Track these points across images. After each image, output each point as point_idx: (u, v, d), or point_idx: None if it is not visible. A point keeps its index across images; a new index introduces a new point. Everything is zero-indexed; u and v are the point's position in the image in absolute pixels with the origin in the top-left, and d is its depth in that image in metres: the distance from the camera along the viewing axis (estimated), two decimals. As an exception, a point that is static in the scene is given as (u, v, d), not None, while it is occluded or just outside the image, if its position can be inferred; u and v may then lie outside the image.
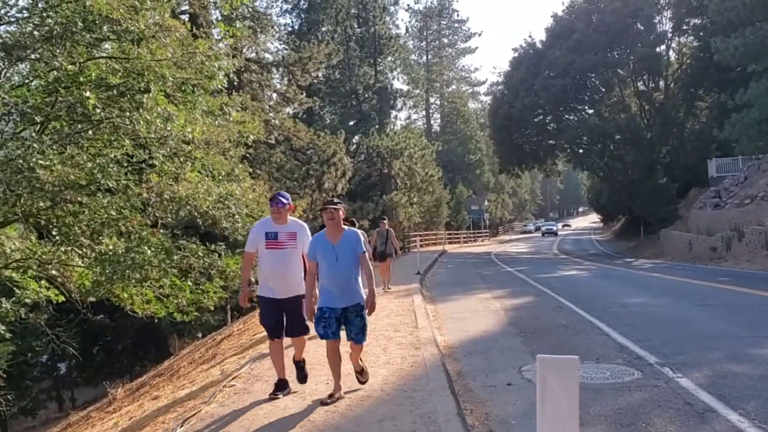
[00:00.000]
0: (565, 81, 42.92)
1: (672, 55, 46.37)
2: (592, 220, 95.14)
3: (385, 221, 14.23)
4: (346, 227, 5.53)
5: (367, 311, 5.44)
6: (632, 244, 42.29)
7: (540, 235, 73.86)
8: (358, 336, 5.51)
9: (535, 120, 47.53)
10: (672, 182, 41.35)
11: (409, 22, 75.32)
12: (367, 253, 5.58)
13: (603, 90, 45.71)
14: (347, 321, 5.44)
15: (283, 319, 5.73)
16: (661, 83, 45.66)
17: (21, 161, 7.01)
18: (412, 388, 5.88)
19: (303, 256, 5.77)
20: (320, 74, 32.07)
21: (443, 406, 5.21)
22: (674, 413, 5.24)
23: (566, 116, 47.31)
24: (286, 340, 6.06)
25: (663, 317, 10.23)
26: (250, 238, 5.82)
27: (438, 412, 5.05)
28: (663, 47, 44.88)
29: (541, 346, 8.09)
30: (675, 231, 32.50)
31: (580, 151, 47.52)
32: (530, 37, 57.24)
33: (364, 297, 5.52)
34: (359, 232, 5.65)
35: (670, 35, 44.94)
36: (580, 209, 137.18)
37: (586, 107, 47.79)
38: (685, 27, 43.93)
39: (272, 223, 5.73)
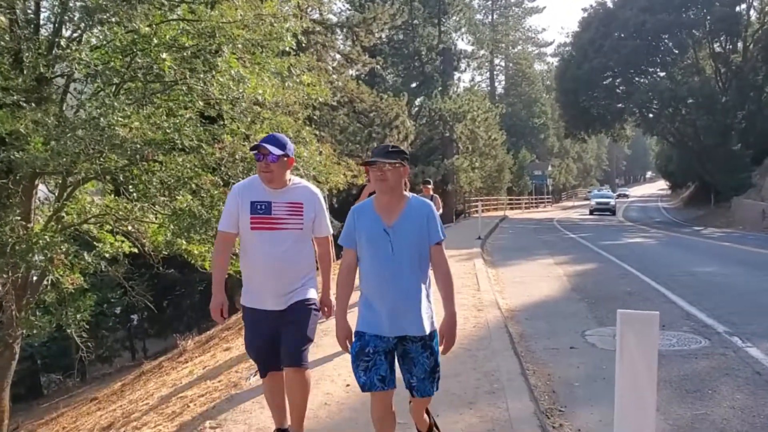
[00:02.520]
0: (637, 42, 41.32)
1: (753, 14, 43.94)
2: (659, 186, 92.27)
3: (429, 185, 10.74)
4: (409, 195, 3.26)
5: (441, 347, 3.18)
6: (701, 213, 40.93)
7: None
8: (424, 384, 3.22)
9: (604, 83, 46.04)
10: (746, 149, 39.58)
11: (475, -19, 73.60)
12: (443, 243, 3.26)
13: (676, 52, 43.78)
14: (406, 358, 3.19)
15: (278, 340, 3.61)
16: (740, 45, 43.36)
17: (102, 119, 7.33)
18: (476, 348, 5.98)
19: (314, 243, 3.85)
20: (384, 35, 31.81)
21: (506, 366, 5.30)
22: (742, 382, 5.18)
23: (636, 79, 45.65)
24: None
25: (732, 287, 9.98)
26: (225, 209, 3.70)
27: (501, 371, 5.14)
28: (743, 6, 42.54)
29: (605, 313, 8.05)
30: (748, 199, 31.25)
31: (650, 115, 45.85)
32: (601, -5, 54.92)
33: (434, 320, 3.23)
34: (429, 203, 3.28)
35: (752, -7, 42.58)
36: (648, 175, 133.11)
37: (658, 70, 45.92)
38: (768, -16, 41.53)
39: (263, 186, 3.59)
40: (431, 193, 10.95)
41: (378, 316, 3.13)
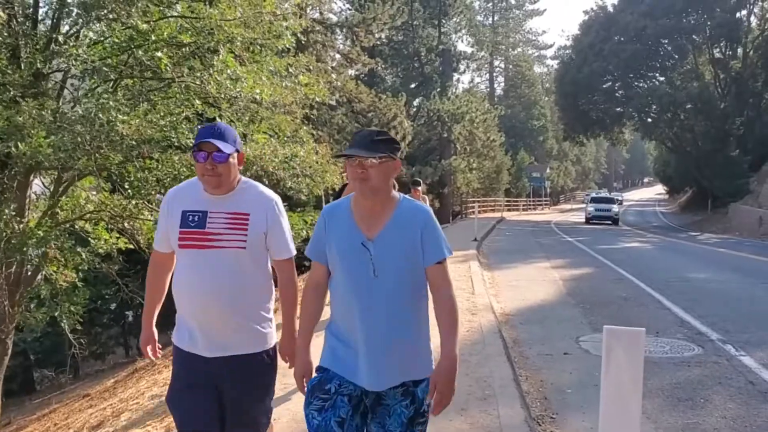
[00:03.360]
0: (636, 47, 41.42)
1: (753, 20, 44.06)
2: (657, 191, 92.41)
3: (419, 187, 9.81)
4: (398, 196, 2.44)
5: (431, 399, 2.31)
6: (698, 218, 41.01)
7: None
8: None
9: (604, 86, 46.16)
10: (744, 155, 39.68)
11: (476, -18, 73.66)
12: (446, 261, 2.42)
13: (676, 57, 43.91)
14: (379, 407, 2.42)
15: (215, 407, 2.67)
16: (739, 51, 43.47)
17: (101, 115, 7.31)
18: (468, 353, 5.96)
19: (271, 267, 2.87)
20: (383, 35, 31.81)
21: (499, 372, 5.28)
22: (735, 391, 5.17)
23: (636, 83, 45.75)
24: None
25: (727, 294, 9.98)
26: (159, 222, 2.88)
27: (494, 377, 5.13)
28: (744, 12, 42.66)
29: (600, 318, 8.05)
30: (745, 206, 31.32)
31: (649, 119, 45.96)
32: (602, 0, 55.07)
33: (432, 363, 2.46)
34: (427, 208, 2.46)
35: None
36: (646, 180, 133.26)
37: (657, 74, 46.05)
38: (769, -9, 41.62)
39: (201, 191, 2.71)
40: (421, 195, 10.02)
41: (352, 355, 2.35)
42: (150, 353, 2.98)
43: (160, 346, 3.03)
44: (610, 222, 35.53)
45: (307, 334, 2.51)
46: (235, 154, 2.68)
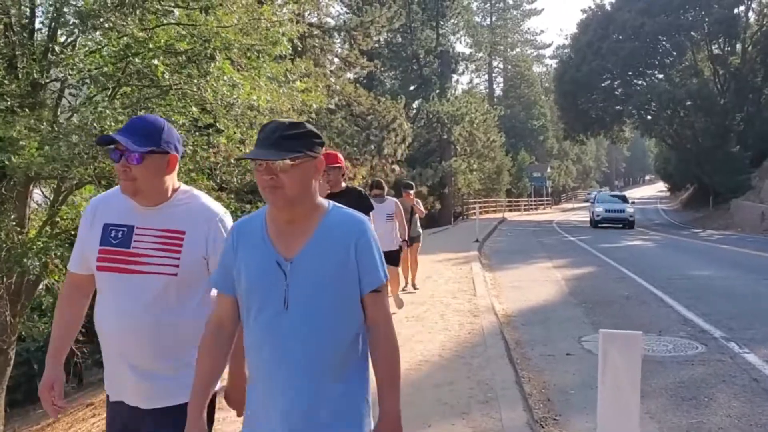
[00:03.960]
0: (635, 44, 41.43)
1: (752, 16, 44.01)
2: (658, 188, 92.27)
3: (411, 191, 9.83)
4: (326, 204, 1.96)
5: None
6: (700, 215, 40.94)
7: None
8: None
9: (603, 85, 46.17)
10: (745, 151, 39.63)
11: (473, -17, 73.66)
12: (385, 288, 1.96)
13: (674, 54, 43.89)
14: None
15: None
16: (738, 47, 43.45)
17: (96, 125, 7.30)
18: (470, 355, 5.94)
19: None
20: (382, 38, 31.87)
21: (501, 374, 5.26)
22: (739, 389, 5.14)
23: (635, 81, 45.76)
24: None
25: (730, 291, 9.95)
26: (78, 235, 2.33)
27: (496, 379, 5.10)
28: (742, 8, 42.63)
29: (602, 317, 8.02)
30: (747, 201, 31.25)
31: (649, 117, 45.92)
32: (599, -2, 55.13)
33: (369, 425, 1.92)
34: (363, 219, 1.94)
35: (750, -5, 42.66)
36: (647, 177, 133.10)
37: (656, 72, 46.03)
38: (767, -14, 41.60)
39: (130, 202, 2.19)
40: (413, 198, 9.89)
41: (268, 420, 1.85)
42: (48, 402, 2.25)
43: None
44: (622, 225, 29.16)
45: (200, 393, 1.94)
46: (159, 156, 2.12)
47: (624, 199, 31.71)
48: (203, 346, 1.96)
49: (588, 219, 32.40)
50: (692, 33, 42.30)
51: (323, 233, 1.86)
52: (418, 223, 10.24)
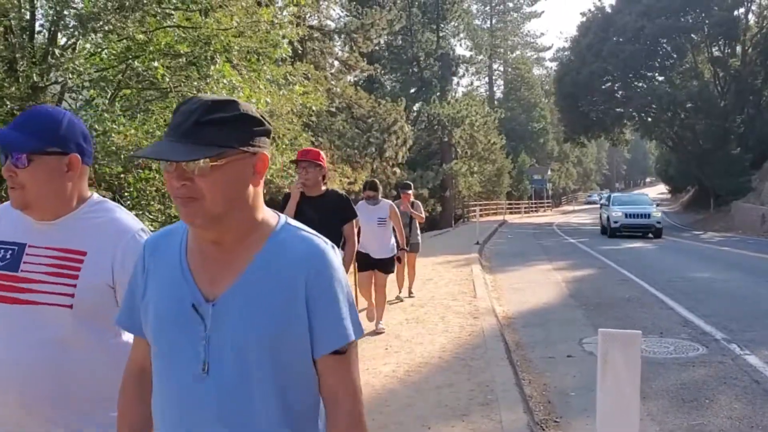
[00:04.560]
0: (635, 47, 41.39)
1: (752, 18, 44.00)
2: (659, 191, 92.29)
3: (409, 191, 9.11)
4: (274, 221, 1.34)
5: None
6: (701, 217, 40.90)
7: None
8: None
9: (603, 87, 46.08)
10: (746, 153, 39.58)
11: (474, -14, 73.73)
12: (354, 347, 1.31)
13: (674, 56, 43.85)
14: None
15: None
16: (738, 49, 43.42)
17: (97, 126, 7.31)
18: (470, 357, 5.92)
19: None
20: (382, 41, 31.87)
21: (501, 376, 5.24)
22: (740, 391, 5.13)
23: (635, 83, 45.68)
24: None
25: (731, 293, 9.93)
26: None
27: (496, 381, 5.09)
28: (742, 10, 42.61)
29: (603, 319, 8.00)
30: (747, 204, 31.22)
31: (649, 119, 45.92)
32: (599, 0, 55.09)
33: None
34: (322, 247, 1.31)
35: (750, -3, 42.65)
36: (648, 179, 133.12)
37: (656, 74, 45.98)
38: (766, -12, 41.63)
39: (22, 215, 1.71)
40: (411, 200, 9.20)
41: None
42: None
43: None
44: (647, 234, 23.56)
45: None
46: (63, 158, 1.69)
47: (647, 202, 25.09)
48: (123, 400, 1.44)
49: (595, 224, 28.68)
50: (692, 35, 42.29)
51: (263, 263, 1.28)
52: (418, 230, 9.52)
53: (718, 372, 5.66)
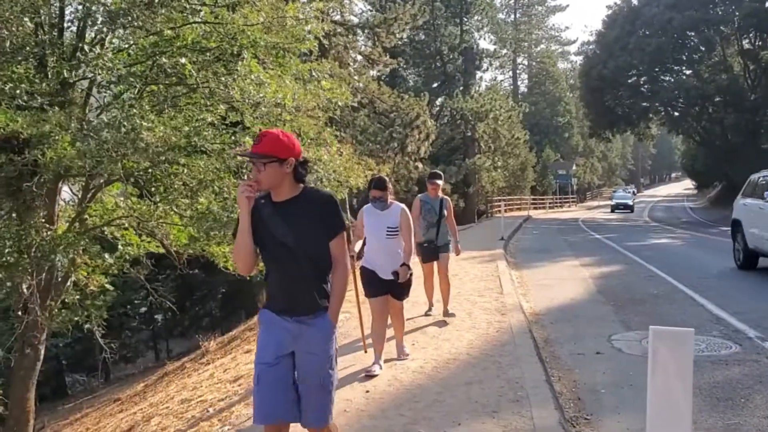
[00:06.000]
0: (662, 40, 40.76)
1: (784, 8, 43.05)
2: (685, 186, 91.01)
3: (437, 181, 7.40)
4: None
5: None
6: (728, 213, 40.03)
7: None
8: None
9: (629, 81, 45.46)
10: (776, 147, 38.88)
11: (497, -21, 73.14)
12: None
13: (703, 49, 43.09)
14: None
15: None
16: (770, 41, 42.59)
17: (126, 123, 7.36)
18: (499, 354, 5.87)
19: None
20: (405, 35, 31.73)
21: (531, 373, 5.19)
22: (776, 390, 5.01)
23: (662, 77, 45.02)
24: None
25: (762, 289, 9.73)
26: None
27: (525, 378, 5.04)
28: (773, 1, 41.75)
29: (632, 316, 7.89)
30: (777, 199, 30.61)
31: (676, 114, 45.24)
32: (625, -7, 54.40)
33: None
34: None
35: (782, -13, 41.71)
36: (673, 175, 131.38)
37: (684, 68, 45.27)
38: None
39: None
40: (439, 193, 7.44)
41: None
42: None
43: None
44: None
45: None
46: None
47: None
48: None
49: (621, 219, 27.38)
50: (722, 27, 41.49)
51: None
52: (446, 229, 7.59)
53: (753, 370, 5.54)
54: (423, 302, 8.12)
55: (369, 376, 5.30)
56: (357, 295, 5.88)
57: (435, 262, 7.59)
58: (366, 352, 5.88)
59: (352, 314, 7.26)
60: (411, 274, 5.54)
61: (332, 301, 3.02)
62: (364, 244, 5.54)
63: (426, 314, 7.80)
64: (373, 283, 5.49)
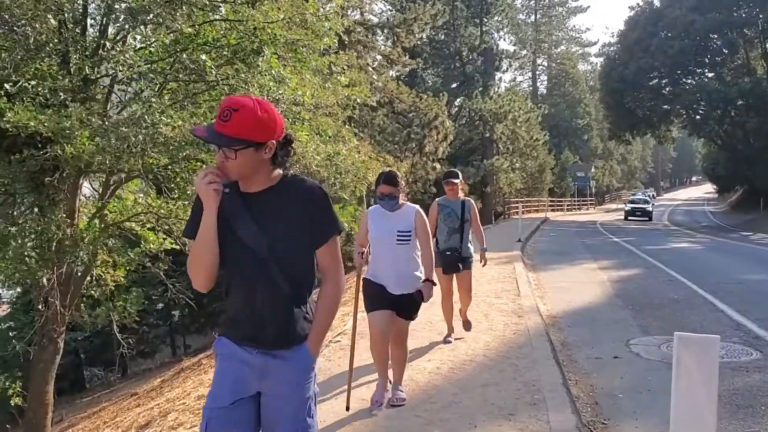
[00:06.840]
0: (684, 42, 40.37)
1: (810, 12, 42.45)
2: (705, 190, 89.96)
3: (455, 181, 6.43)
4: None
5: None
6: (750, 218, 39.69)
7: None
8: None
9: (650, 83, 45.06)
10: (800, 153, 38.32)
11: (518, -20, 72.79)
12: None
13: (726, 52, 42.60)
14: None
15: None
16: (794, 45, 42.03)
17: (147, 118, 7.41)
18: (516, 356, 5.83)
19: None
20: (424, 35, 31.69)
21: (548, 376, 5.15)
22: (798, 399, 4.93)
23: (684, 80, 44.57)
24: None
25: (785, 296, 9.60)
26: None
27: (542, 381, 5.00)
28: (799, 4, 41.17)
29: (651, 321, 7.82)
30: (800, 205, 30.19)
31: (697, 117, 44.72)
32: (648, -6, 53.90)
33: None
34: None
35: (807, -10, 41.11)
36: (694, 178, 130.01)
37: (706, 70, 44.78)
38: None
39: None
40: (460, 194, 6.51)
41: None
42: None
43: None
44: None
45: None
46: None
47: None
48: None
49: (640, 224, 27.97)
50: (745, 30, 41.00)
51: None
52: (470, 236, 6.61)
53: (774, 378, 5.46)
54: (436, 321, 7.11)
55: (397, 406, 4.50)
56: (355, 317, 4.70)
57: (455, 275, 6.51)
58: (348, 409, 4.37)
59: (341, 344, 6.34)
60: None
61: (314, 328, 2.29)
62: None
63: (445, 341, 6.47)
64: (378, 297, 4.43)
